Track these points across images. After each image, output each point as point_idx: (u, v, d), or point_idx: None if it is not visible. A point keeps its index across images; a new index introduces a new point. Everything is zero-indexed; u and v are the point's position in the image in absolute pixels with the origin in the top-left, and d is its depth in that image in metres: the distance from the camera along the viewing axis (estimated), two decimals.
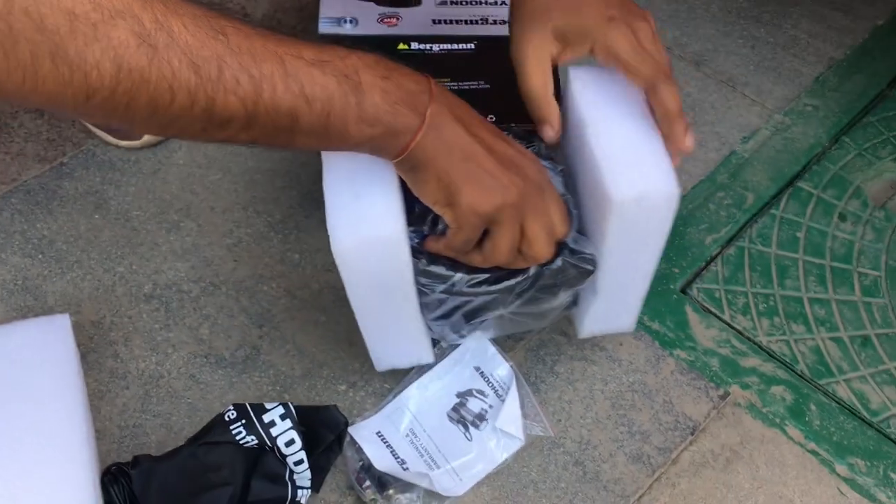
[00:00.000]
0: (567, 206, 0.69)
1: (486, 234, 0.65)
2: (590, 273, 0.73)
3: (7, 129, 1.00)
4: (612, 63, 0.67)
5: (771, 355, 0.87)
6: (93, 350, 0.84)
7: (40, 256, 0.90)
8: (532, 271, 0.70)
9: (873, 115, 1.09)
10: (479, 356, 0.83)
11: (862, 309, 0.91)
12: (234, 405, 0.69)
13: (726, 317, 0.90)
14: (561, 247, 0.70)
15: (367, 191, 0.64)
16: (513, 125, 0.71)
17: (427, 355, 0.81)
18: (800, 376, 0.86)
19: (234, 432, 0.67)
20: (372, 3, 0.94)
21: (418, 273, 0.69)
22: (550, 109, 0.69)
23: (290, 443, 0.68)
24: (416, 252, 0.69)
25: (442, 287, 0.70)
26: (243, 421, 0.68)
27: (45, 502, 0.68)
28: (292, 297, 0.88)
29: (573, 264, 0.71)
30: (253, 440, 0.68)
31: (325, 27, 0.91)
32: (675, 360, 0.86)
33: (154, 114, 0.50)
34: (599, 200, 0.67)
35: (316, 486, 0.75)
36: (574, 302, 0.80)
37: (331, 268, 0.84)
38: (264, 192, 0.96)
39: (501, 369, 0.83)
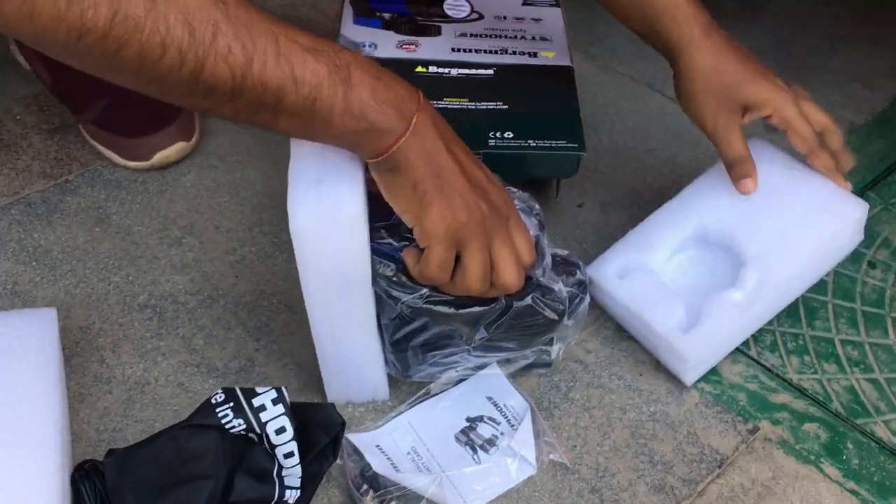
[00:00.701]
0: (537, 243, 0.70)
1: (457, 263, 0.65)
2: (555, 323, 0.73)
3: (15, 148, 0.99)
4: (783, 126, 0.81)
5: (803, 392, 0.81)
6: (78, 354, 0.79)
7: (34, 264, 0.86)
8: (502, 303, 0.69)
9: None
10: (493, 387, 0.78)
11: None
12: (222, 388, 0.63)
13: (753, 353, 0.84)
14: (532, 287, 0.70)
15: (330, 177, 0.63)
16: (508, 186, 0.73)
17: (383, 391, 0.77)
18: (835, 415, 0.80)
19: (220, 415, 0.61)
20: (392, 32, 0.94)
21: (388, 281, 0.67)
22: (753, 167, 0.81)
23: (280, 430, 0.62)
24: (391, 259, 0.67)
25: (408, 297, 0.67)
26: (231, 404, 0.62)
27: (5, 494, 0.62)
28: (293, 312, 0.83)
29: (545, 303, 0.71)
30: (241, 425, 0.62)
31: None
32: (699, 393, 0.80)
33: (141, 67, 0.51)
34: (818, 219, 0.81)
35: (306, 498, 0.68)
36: (546, 363, 0.79)
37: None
38: (271, 215, 0.93)
39: (515, 400, 0.77)
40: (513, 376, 0.78)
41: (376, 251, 0.67)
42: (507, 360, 0.78)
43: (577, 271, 0.76)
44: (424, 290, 0.67)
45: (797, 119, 0.80)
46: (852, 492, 0.74)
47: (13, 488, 0.62)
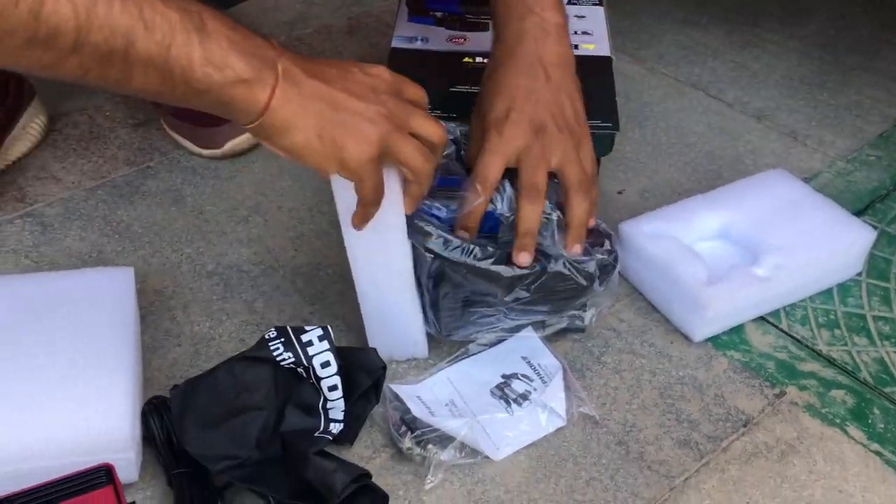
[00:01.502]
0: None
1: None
2: (586, 288, 0.77)
3: (104, 139, 1.09)
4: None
5: (831, 362, 0.84)
6: (152, 312, 0.87)
7: (116, 237, 0.95)
8: (536, 267, 0.75)
9: None
10: (528, 348, 0.83)
11: None
12: (275, 326, 0.70)
13: (783, 326, 0.87)
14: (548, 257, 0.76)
15: None
16: None
17: (423, 348, 0.82)
18: (862, 383, 0.82)
19: (272, 349, 0.68)
20: (443, 28, 1.02)
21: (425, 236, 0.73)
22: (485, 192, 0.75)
23: (325, 364, 0.68)
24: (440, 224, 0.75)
25: (446, 252, 0.73)
26: (282, 339, 0.69)
27: (84, 425, 0.69)
28: (346, 282, 0.90)
29: (576, 269, 0.76)
30: (290, 357, 0.68)
31: (397, 42, 0.99)
32: (728, 360, 0.84)
33: None
34: (827, 235, 0.89)
35: (350, 437, 0.74)
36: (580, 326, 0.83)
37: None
38: (330, 198, 0.99)
39: (548, 360, 0.82)
40: (548, 339, 0.83)
41: (427, 214, 0.74)
42: (543, 325, 0.83)
43: (608, 241, 0.81)
44: (471, 246, 0.73)
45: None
46: (876, 453, 0.76)
47: (92, 420, 0.69)
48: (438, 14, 1.03)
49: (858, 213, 1.00)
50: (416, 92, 0.69)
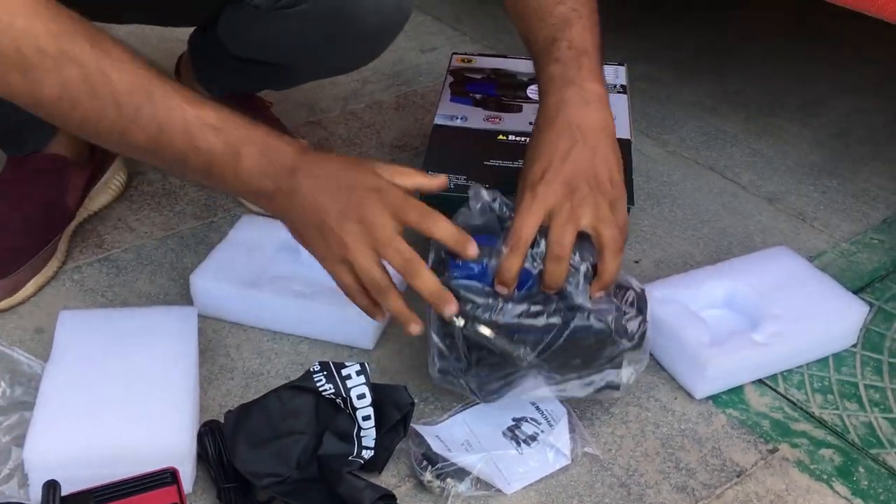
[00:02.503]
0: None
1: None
2: (607, 336, 0.81)
3: (174, 196, 1.22)
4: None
5: (822, 424, 0.91)
6: (210, 349, 0.97)
7: (182, 281, 1.07)
8: (558, 321, 0.80)
9: None
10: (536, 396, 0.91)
11: None
12: (319, 361, 0.80)
13: (780, 389, 0.95)
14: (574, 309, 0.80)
15: None
16: None
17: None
18: (850, 444, 0.89)
19: (315, 380, 0.78)
20: (480, 108, 1.14)
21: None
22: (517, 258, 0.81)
23: (361, 396, 0.78)
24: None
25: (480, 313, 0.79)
26: (325, 372, 0.79)
27: (149, 439, 0.79)
28: (382, 332, 1.00)
29: (597, 318, 0.80)
30: (330, 388, 0.78)
31: (439, 119, 1.11)
32: (726, 417, 0.92)
33: (82, 126, 0.72)
34: (824, 307, 0.99)
35: (379, 466, 0.83)
36: (615, 385, 0.85)
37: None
38: None
39: (554, 405, 0.90)
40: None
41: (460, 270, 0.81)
42: (580, 382, 0.85)
43: (636, 298, 0.86)
44: (499, 304, 0.80)
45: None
46: None
47: (157, 435, 0.79)
48: (478, 96, 1.16)
49: (858, 291, 1.08)
50: (394, 197, 0.79)
